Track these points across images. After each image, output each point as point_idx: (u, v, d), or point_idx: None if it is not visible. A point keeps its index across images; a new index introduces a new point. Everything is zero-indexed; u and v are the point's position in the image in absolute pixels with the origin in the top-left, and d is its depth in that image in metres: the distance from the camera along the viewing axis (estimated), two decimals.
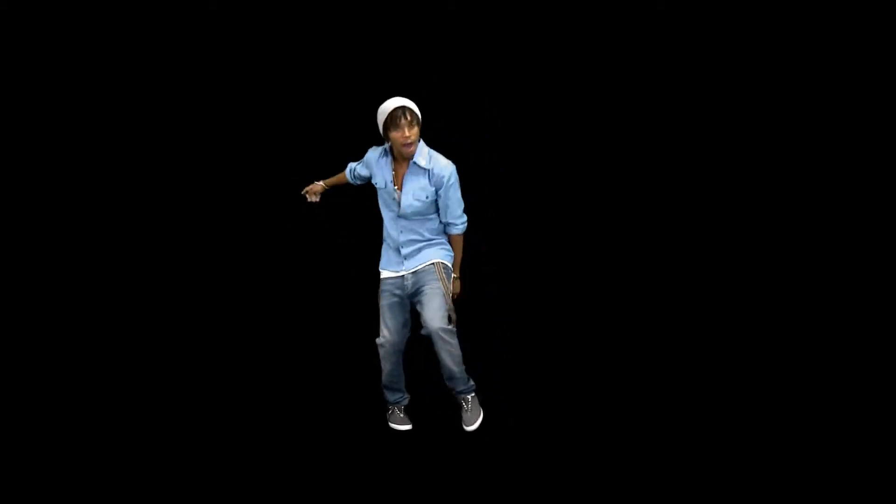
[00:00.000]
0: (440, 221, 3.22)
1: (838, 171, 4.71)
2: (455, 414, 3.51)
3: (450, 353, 3.20)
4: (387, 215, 3.22)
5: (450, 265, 3.26)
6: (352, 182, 3.46)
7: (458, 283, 3.37)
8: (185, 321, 4.70)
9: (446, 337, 3.16)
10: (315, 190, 3.51)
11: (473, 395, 3.44)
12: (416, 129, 3.00)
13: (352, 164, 3.44)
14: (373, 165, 3.22)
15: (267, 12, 4.98)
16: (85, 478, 2.96)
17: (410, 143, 3.00)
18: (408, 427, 3.42)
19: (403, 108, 2.98)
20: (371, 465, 3.10)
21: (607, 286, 4.84)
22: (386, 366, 3.29)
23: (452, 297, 3.35)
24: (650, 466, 3.02)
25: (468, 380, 3.39)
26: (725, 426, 3.31)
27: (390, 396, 3.42)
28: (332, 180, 3.52)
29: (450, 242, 3.28)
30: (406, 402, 3.47)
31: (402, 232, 3.20)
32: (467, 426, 3.37)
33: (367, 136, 5.05)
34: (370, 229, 5.06)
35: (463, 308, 4.47)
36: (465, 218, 3.23)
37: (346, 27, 4.98)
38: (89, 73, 4.97)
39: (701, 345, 4.21)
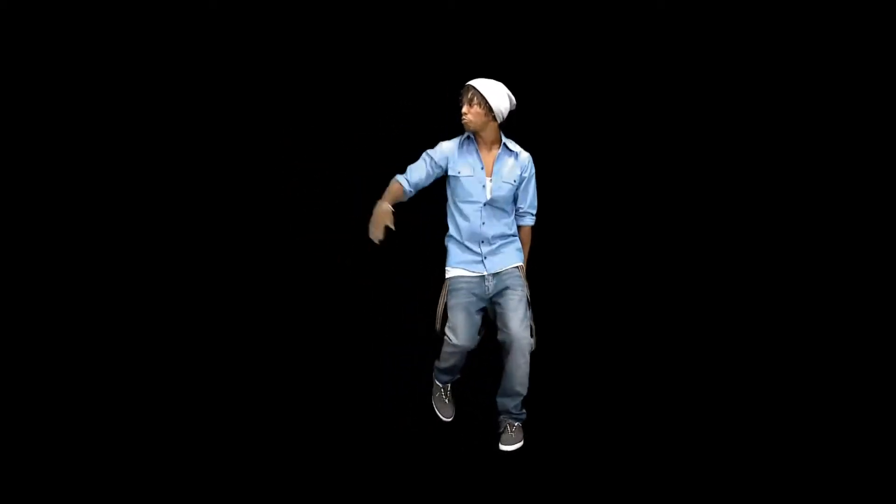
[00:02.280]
0: (513, 216, 3.18)
1: (841, 171, 4.72)
2: (466, 416, 3.49)
3: (524, 371, 2.99)
4: (468, 207, 3.08)
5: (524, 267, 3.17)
6: (406, 196, 3.16)
7: (521, 272, 3.24)
8: (189, 322, 4.70)
9: (527, 350, 2.99)
10: (389, 220, 3.00)
11: (520, 425, 3.21)
12: (472, 108, 3.02)
13: (405, 176, 3.16)
14: (454, 155, 3.12)
15: (267, 12, 4.97)
16: (86, 478, 2.95)
17: (466, 121, 3.05)
18: (449, 419, 3.33)
19: (466, 87, 3.05)
20: (373, 465, 3.10)
21: (615, 289, 4.85)
22: (451, 363, 3.14)
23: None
24: (657, 470, 3.02)
25: (522, 408, 3.17)
26: (745, 432, 3.31)
27: (442, 379, 3.31)
28: (394, 199, 3.12)
29: (520, 235, 3.21)
30: (456, 379, 3.35)
31: (485, 223, 3.07)
32: (503, 445, 3.15)
33: (367, 136, 5.04)
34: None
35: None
36: (534, 211, 3.24)
37: (346, 27, 4.98)
38: (89, 74, 4.96)
39: (711, 350, 4.22)
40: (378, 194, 4.00)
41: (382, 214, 2.93)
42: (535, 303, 4.76)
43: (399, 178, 3.15)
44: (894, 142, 4.63)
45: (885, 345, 4.08)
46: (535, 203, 3.21)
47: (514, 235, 3.17)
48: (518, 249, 3.17)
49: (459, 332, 3.03)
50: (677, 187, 4.89)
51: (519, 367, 2.99)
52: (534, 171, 3.17)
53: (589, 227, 4.94)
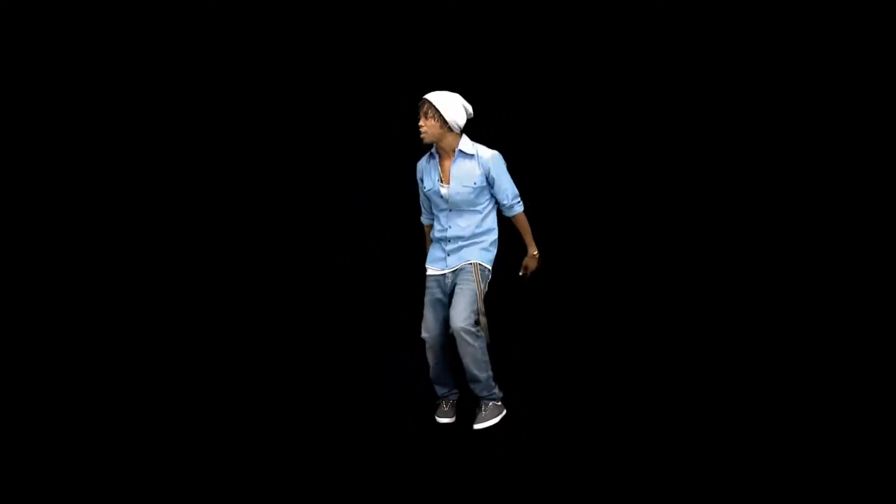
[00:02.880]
0: (486, 215, 3.28)
1: (842, 171, 4.72)
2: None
3: (472, 356, 3.19)
4: (438, 213, 3.32)
5: (488, 266, 3.28)
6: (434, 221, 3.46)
7: (534, 259, 3.42)
8: (189, 322, 4.70)
9: (468, 338, 3.16)
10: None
11: (494, 403, 3.37)
12: (427, 121, 3.15)
13: (424, 218, 3.48)
14: (422, 170, 3.34)
15: (267, 13, 4.98)
16: (86, 478, 2.96)
17: (422, 133, 3.17)
18: (449, 420, 3.40)
19: (422, 100, 3.16)
20: (378, 463, 3.10)
21: (618, 290, 4.85)
22: (430, 359, 3.35)
23: (528, 272, 3.42)
24: (657, 470, 3.02)
25: (493, 387, 3.35)
26: (748, 433, 3.32)
27: (438, 390, 3.45)
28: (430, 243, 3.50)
29: (517, 225, 3.35)
30: (455, 397, 3.48)
31: (450, 227, 3.27)
32: (475, 424, 3.33)
33: (366, 136, 5.04)
34: (381, 230, 5.06)
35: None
36: (517, 200, 3.30)
37: (346, 27, 4.98)
38: (89, 73, 4.96)
39: (710, 349, 4.22)
40: (378, 194, 4.02)
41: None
42: (534, 303, 4.77)
43: (423, 219, 3.51)
44: (893, 142, 4.64)
45: (884, 344, 4.08)
46: (516, 191, 3.30)
47: (485, 233, 3.29)
48: (482, 249, 3.28)
49: (426, 324, 3.31)
50: (678, 187, 4.89)
51: (466, 352, 3.18)
52: (502, 165, 3.25)
53: (589, 227, 4.94)
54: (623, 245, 4.92)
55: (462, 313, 3.16)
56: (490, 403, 3.36)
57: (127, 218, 5.05)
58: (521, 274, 3.49)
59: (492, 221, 3.31)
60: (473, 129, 4.95)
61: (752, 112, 4.80)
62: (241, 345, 4.36)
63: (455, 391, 3.48)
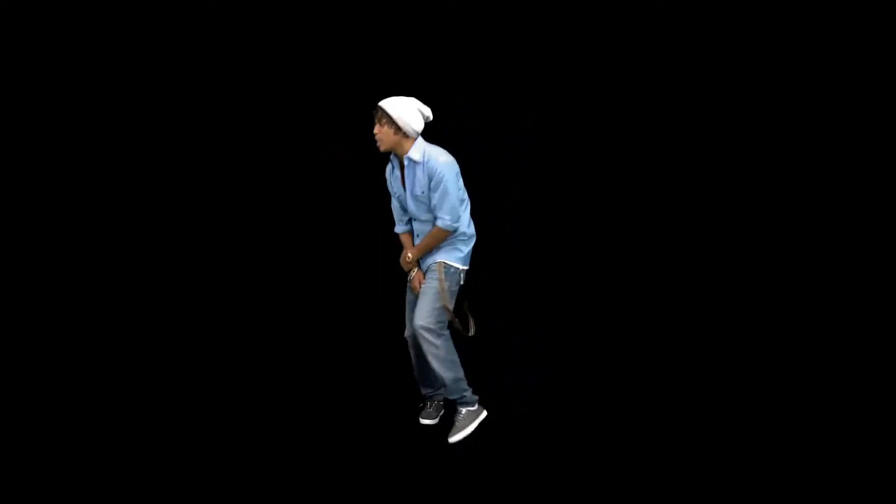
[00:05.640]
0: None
1: (842, 170, 4.72)
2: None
3: (434, 355, 3.13)
4: (413, 220, 3.28)
5: (457, 266, 3.19)
6: (408, 228, 3.36)
7: (406, 264, 3.26)
8: (189, 322, 4.70)
9: (428, 336, 3.11)
10: (419, 278, 3.30)
11: (469, 409, 3.29)
12: (382, 129, 3.05)
13: (396, 228, 3.38)
14: (388, 179, 3.28)
15: (267, 13, 4.97)
16: (87, 478, 2.96)
17: (377, 141, 3.08)
18: (431, 422, 3.38)
19: (376, 107, 3.08)
20: (366, 463, 3.10)
21: (618, 290, 4.85)
22: (412, 358, 3.35)
23: (413, 283, 3.28)
24: (657, 470, 3.02)
25: (464, 390, 3.25)
26: (744, 431, 3.32)
27: (423, 390, 3.44)
28: (408, 245, 3.34)
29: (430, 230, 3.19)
30: (440, 397, 3.45)
31: (419, 235, 3.25)
32: (450, 436, 3.24)
33: (367, 135, 5.03)
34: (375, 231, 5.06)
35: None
36: (453, 218, 3.10)
37: (346, 27, 4.98)
38: (89, 73, 4.96)
39: (710, 348, 4.22)
40: (378, 194, 3.99)
41: (414, 276, 3.31)
42: (536, 302, 4.77)
43: (395, 229, 3.40)
44: (893, 142, 4.63)
45: (884, 343, 4.08)
46: (448, 208, 3.08)
47: (455, 236, 3.19)
48: (451, 249, 3.20)
49: (407, 325, 3.34)
50: (678, 187, 4.89)
51: (428, 352, 3.14)
52: (443, 175, 3.04)
53: (587, 227, 4.94)
54: (623, 245, 4.92)
55: (421, 312, 3.12)
56: (464, 410, 3.28)
57: (125, 218, 5.05)
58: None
59: (463, 224, 3.18)
60: (473, 129, 4.94)
61: (752, 112, 4.79)
62: (241, 344, 4.36)
63: (440, 391, 3.44)
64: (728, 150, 4.83)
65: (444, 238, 3.16)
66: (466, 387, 3.27)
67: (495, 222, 4.87)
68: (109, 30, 4.95)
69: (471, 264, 3.37)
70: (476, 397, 3.33)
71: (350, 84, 4.99)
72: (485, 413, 3.36)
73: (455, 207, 3.09)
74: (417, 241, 3.26)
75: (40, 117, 4.96)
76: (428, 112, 3.13)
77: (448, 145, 3.25)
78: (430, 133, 3.45)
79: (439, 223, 3.12)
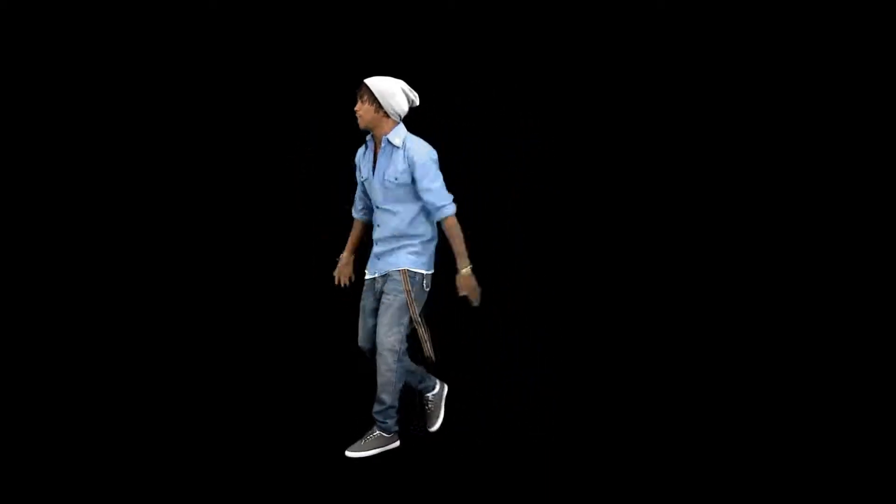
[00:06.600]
0: (418, 214, 2.99)
1: (842, 170, 4.72)
2: (451, 419, 3.49)
3: (387, 378, 2.96)
4: (374, 211, 3.08)
5: (422, 272, 2.99)
6: (364, 219, 3.21)
7: (466, 279, 2.98)
8: (187, 322, 4.69)
9: (389, 359, 2.94)
10: (346, 273, 3.21)
11: (382, 434, 3.08)
12: (363, 105, 2.92)
13: (353, 211, 3.24)
14: (359, 159, 3.10)
15: (267, 13, 4.97)
16: (87, 478, 2.95)
17: (357, 115, 2.94)
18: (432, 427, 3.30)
19: (361, 84, 2.95)
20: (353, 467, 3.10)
21: (618, 291, 4.85)
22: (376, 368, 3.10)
23: (467, 295, 2.99)
24: (657, 470, 3.02)
25: (390, 417, 3.05)
26: (744, 431, 3.31)
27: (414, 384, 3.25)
28: (352, 242, 3.25)
29: (446, 233, 2.99)
30: (432, 391, 3.27)
31: (379, 225, 3.03)
32: (349, 449, 3.07)
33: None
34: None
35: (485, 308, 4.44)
36: (446, 203, 2.93)
37: (346, 27, 4.98)
38: (89, 73, 4.96)
39: (710, 348, 4.22)
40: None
41: (341, 268, 3.23)
42: (535, 301, 4.76)
43: (352, 211, 3.26)
44: (893, 142, 4.63)
45: (884, 343, 4.08)
46: (444, 193, 2.93)
47: (414, 236, 2.99)
48: (413, 253, 2.98)
49: (359, 335, 3.13)
50: (678, 187, 4.89)
51: (381, 373, 2.97)
52: (429, 162, 2.91)
53: (587, 228, 4.94)
54: (623, 245, 4.92)
55: (382, 328, 2.93)
56: (377, 432, 3.10)
57: (124, 218, 5.05)
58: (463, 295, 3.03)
59: (427, 222, 3.01)
60: (473, 129, 4.94)
61: (753, 112, 4.79)
62: (238, 345, 4.36)
63: (425, 384, 3.25)
64: (728, 149, 4.83)
65: (458, 227, 2.98)
66: (394, 415, 3.08)
67: (495, 222, 4.86)
68: (109, 30, 4.94)
69: (471, 264, 3.16)
70: (397, 428, 3.13)
71: (350, 84, 4.99)
72: (397, 443, 3.15)
73: (443, 188, 2.95)
74: (377, 232, 3.04)
75: (40, 117, 4.96)
76: (414, 96, 2.98)
77: (448, 145, 3.22)
78: (431, 133, 3.44)
79: (442, 214, 2.94)
